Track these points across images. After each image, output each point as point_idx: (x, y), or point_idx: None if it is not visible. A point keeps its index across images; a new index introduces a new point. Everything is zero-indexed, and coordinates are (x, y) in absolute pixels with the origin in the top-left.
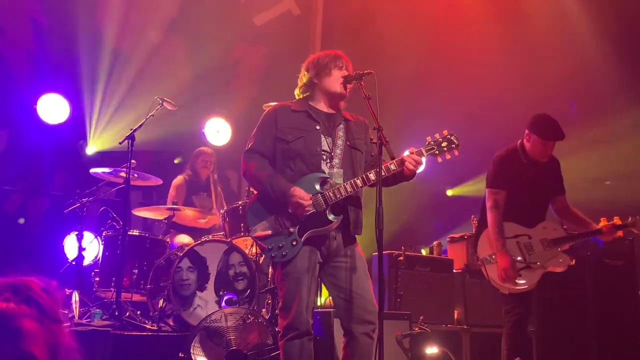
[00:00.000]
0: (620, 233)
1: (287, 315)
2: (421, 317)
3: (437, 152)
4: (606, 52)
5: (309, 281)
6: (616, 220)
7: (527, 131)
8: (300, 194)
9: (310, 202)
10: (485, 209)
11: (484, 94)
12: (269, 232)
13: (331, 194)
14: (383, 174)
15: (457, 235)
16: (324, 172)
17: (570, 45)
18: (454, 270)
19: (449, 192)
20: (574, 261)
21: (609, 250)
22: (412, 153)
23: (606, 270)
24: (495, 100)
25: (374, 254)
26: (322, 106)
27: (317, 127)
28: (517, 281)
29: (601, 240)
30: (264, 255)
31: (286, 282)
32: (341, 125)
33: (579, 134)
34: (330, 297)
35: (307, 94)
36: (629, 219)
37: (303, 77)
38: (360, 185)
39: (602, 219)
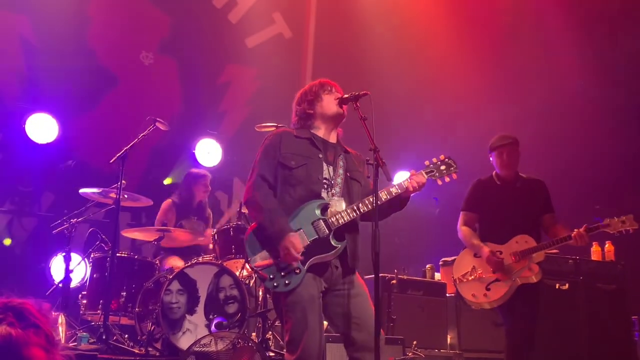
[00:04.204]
0: (589, 239)
1: (295, 350)
2: (414, 342)
3: (436, 174)
4: (595, 77)
5: (317, 310)
6: (583, 228)
7: (488, 153)
8: (295, 241)
9: (300, 257)
10: None
11: (477, 116)
12: (270, 260)
13: (334, 220)
14: (384, 198)
15: (449, 259)
16: (324, 199)
17: (559, 71)
18: (447, 294)
19: None
20: (567, 285)
21: (601, 274)
22: (412, 175)
23: (598, 295)
24: (491, 121)
25: (367, 276)
26: (323, 133)
27: (320, 155)
28: (485, 294)
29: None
30: (254, 279)
31: (292, 313)
32: (342, 156)
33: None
34: (330, 326)
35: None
36: (602, 222)
37: (298, 112)
38: (362, 210)
39: (594, 243)
